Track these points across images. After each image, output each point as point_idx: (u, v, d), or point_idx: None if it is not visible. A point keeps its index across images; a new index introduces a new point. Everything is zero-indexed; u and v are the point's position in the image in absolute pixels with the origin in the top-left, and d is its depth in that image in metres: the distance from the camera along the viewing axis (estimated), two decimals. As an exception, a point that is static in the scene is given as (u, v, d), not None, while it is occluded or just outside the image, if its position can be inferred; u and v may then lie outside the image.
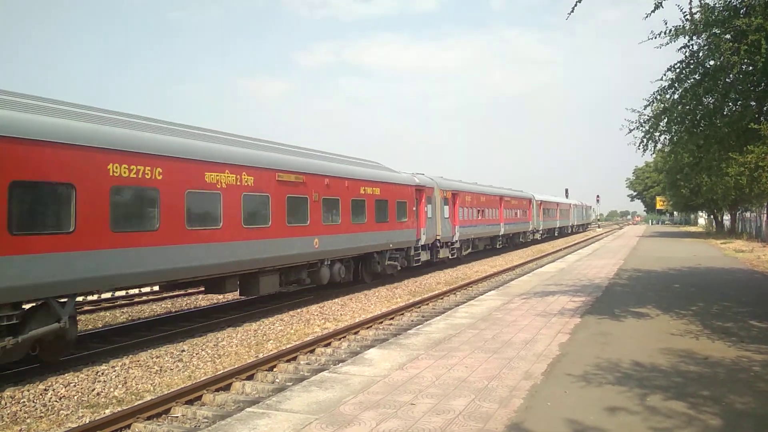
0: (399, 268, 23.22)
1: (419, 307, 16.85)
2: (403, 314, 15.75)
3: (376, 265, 21.54)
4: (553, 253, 38.17)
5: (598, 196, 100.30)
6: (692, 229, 75.33)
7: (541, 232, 51.96)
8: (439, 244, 27.00)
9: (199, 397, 8.84)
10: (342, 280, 19.40)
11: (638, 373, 7.19)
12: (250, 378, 9.89)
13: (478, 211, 33.37)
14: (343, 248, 18.82)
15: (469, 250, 32.44)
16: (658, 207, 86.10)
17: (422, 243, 24.89)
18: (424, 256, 25.42)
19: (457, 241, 29.48)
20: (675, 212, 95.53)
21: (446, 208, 27.96)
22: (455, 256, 29.85)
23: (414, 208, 24.01)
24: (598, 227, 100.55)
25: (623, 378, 6.99)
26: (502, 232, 38.54)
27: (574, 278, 18.26)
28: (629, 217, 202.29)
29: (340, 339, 12.83)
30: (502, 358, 8.09)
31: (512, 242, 43.18)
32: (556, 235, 61.17)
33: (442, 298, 18.47)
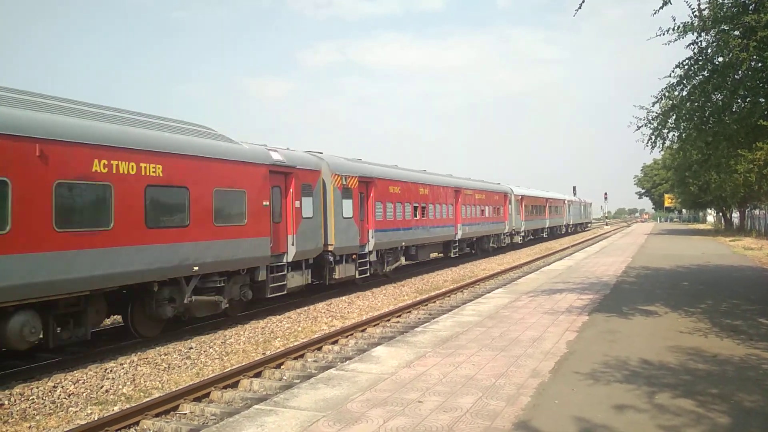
0: (226, 305, 13.71)
1: (426, 304, 16.85)
2: (410, 312, 15.77)
3: (162, 307, 12.18)
4: (561, 251, 38.08)
5: (606, 194, 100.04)
6: (701, 226, 74.99)
7: (523, 233, 41.98)
8: (333, 259, 18.01)
9: (207, 394, 8.89)
10: (46, 342, 10.43)
11: (646, 371, 7.17)
12: (257, 375, 9.94)
13: (415, 207, 24.09)
14: (30, 282, 9.44)
15: (400, 263, 23.22)
16: (666, 204, 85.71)
17: (291, 259, 15.88)
18: (297, 280, 16.32)
19: (372, 251, 20.29)
20: (683, 210, 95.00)
21: (348, 203, 18.76)
22: (370, 273, 20.42)
23: (266, 203, 14.77)
24: (606, 225, 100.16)
25: (631, 376, 6.97)
26: (458, 236, 29.13)
27: (582, 276, 18.21)
28: (637, 214, 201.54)
29: (347, 336, 12.85)
30: (509, 356, 8.08)
31: (480, 248, 33.67)
32: (545, 236, 51.19)
33: (449, 296, 18.48)
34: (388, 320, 14.61)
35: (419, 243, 24.79)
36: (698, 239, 40.59)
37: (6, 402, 8.58)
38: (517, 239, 40.83)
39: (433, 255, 29.59)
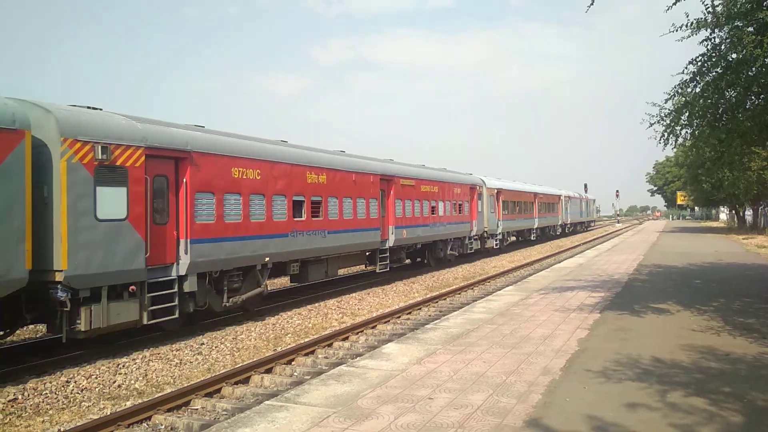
0: None
1: (437, 302, 16.84)
2: (420, 309, 15.76)
3: None
4: (572, 248, 37.92)
5: (617, 191, 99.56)
6: (713, 224, 74.45)
7: (500, 236, 33.53)
8: (71, 296, 9.92)
9: (219, 390, 8.94)
10: None
11: (658, 369, 7.13)
12: (268, 371, 9.98)
13: (298, 203, 15.91)
14: None
15: (263, 290, 14.73)
16: (678, 202, 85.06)
17: None
18: None
19: (187, 276, 12.12)
20: (696, 207, 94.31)
21: (117, 193, 10.79)
22: (186, 312, 12.32)
23: None
24: (618, 222, 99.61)
25: (643, 374, 6.94)
26: (390, 243, 21.14)
27: (593, 273, 18.13)
28: (649, 212, 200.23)
29: (357, 333, 12.88)
30: (520, 354, 8.07)
31: (433, 255, 25.78)
32: (533, 239, 42.43)
33: (459, 293, 18.45)
34: (399, 317, 14.62)
35: (307, 256, 16.50)
36: (711, 237, 40.30)
37: (20, 396, 8.67)
38: (492, 243, 32.48)
39: (344, 271, 22.12)
